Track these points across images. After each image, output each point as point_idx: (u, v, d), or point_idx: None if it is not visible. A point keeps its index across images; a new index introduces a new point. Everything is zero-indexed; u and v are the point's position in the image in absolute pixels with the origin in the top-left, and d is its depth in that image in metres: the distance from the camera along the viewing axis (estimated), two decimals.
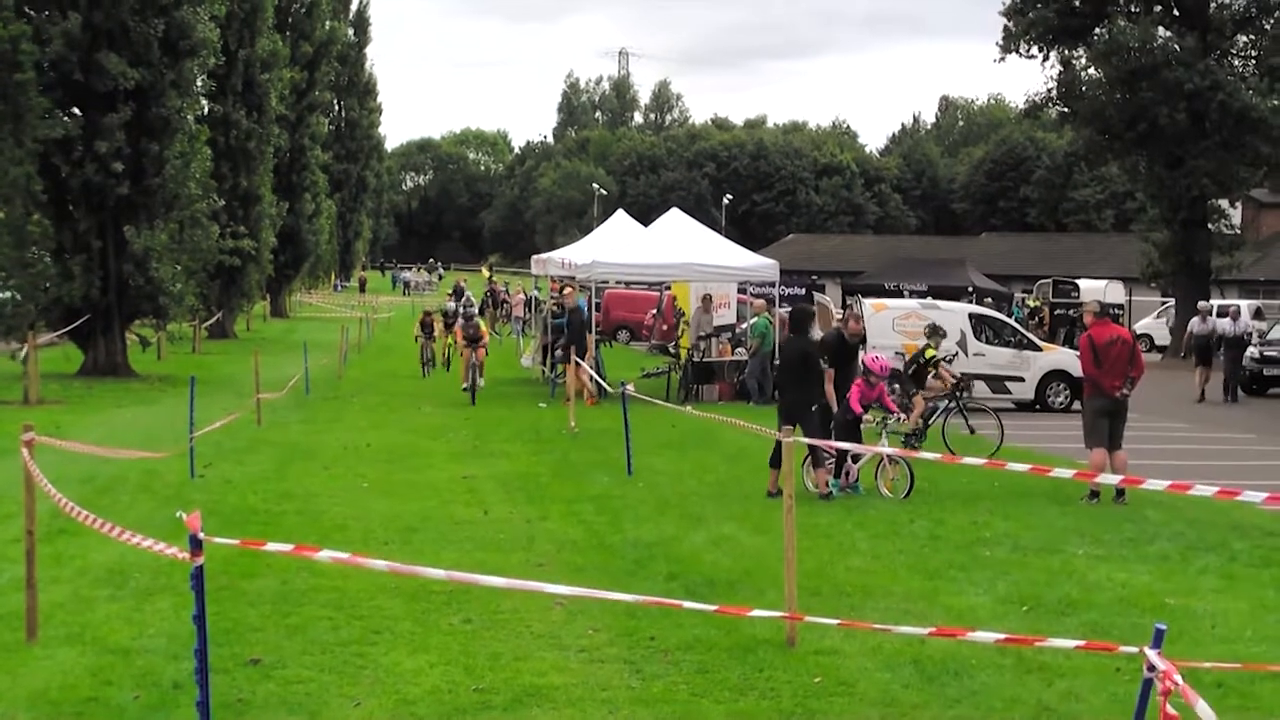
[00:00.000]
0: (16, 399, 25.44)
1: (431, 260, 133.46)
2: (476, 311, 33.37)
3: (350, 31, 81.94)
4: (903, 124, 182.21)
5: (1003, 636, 7.18)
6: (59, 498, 8.62)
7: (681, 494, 16.00)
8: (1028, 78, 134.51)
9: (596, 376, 26.63)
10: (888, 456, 15.73)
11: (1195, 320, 33.91)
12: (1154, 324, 54.18)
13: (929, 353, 19.86)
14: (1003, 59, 51.42)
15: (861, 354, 17.88)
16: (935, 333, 20.62)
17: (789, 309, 20.18)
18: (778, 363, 23.31)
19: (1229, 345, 32.47)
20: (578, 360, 25.62)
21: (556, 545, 12.71)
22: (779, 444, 15.82)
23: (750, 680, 8.48)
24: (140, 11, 29.84)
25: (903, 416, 17.35)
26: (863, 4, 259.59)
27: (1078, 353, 18.33)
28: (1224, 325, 32.85)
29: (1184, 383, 34.09)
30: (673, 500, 15.49)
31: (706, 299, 32.14)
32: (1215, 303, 40.99)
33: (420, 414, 25.26)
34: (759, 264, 31.21)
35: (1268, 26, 47.71)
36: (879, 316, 29.18)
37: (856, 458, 16.21)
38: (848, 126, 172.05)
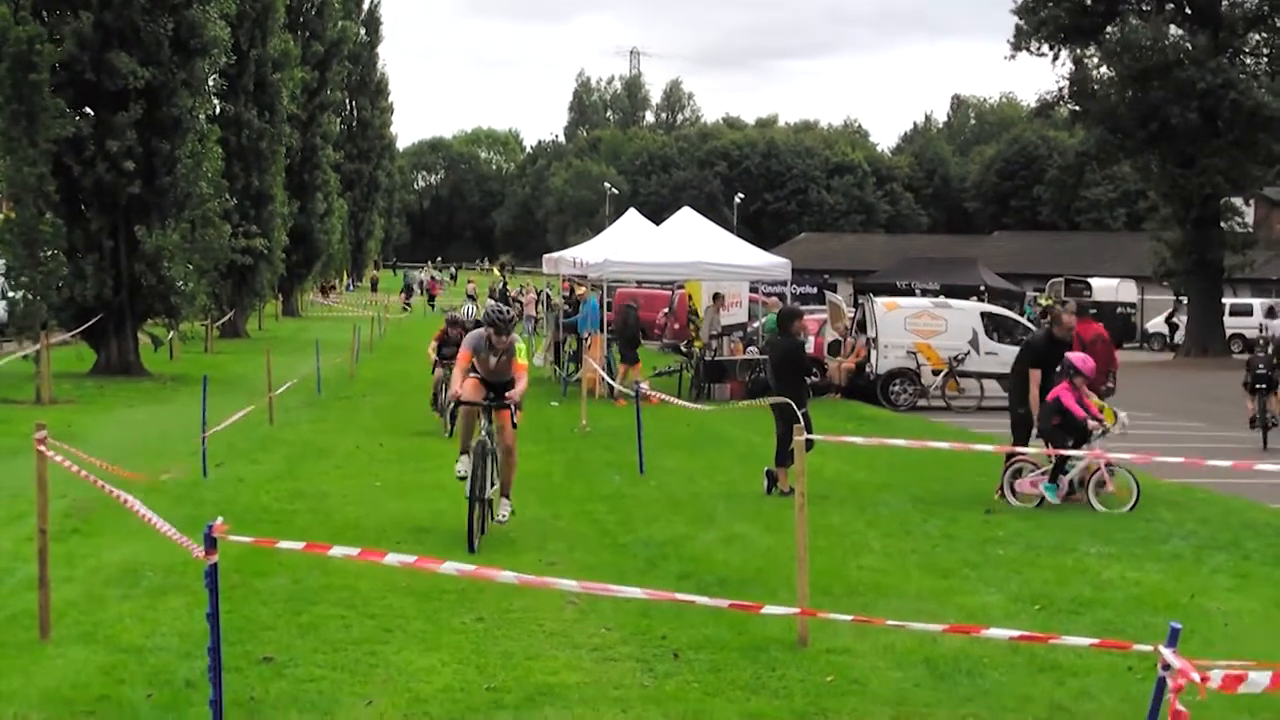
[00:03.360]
0: (29, 398, 25.47)
1: (440, 260, 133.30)
2: (509, 318, 13.52)
3: (362, 31, 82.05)
4: (914, 123, 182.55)
5: (1016, 634, 7.16)
6: (100, 483, 8.65)
7: (693, 493, 16.00)
8: (1039, 76, 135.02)
9: (606, 375, 26.68)
10: (1106, 465, 15.07)
11: (1275, 323, 32.85)
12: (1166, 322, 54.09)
13: None
14: (1013, 57, 51.41)
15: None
16: None
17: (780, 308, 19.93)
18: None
19: None
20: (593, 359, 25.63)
21: (568, 544, 12.70)
22: (781, 443, 15.84)
23: (762, 679, 8.47)
24: (151, 11, 29.79)
25: (1126, 422, 15.78)
26: (873, 3, 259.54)
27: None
28: None
29: (1194, 380, 33.94)
30: (684, 499, 15.49)
31: (718, 297, 32.17)
32: None
33: (433, 415, 25.21)
34: (770, 263, 31.25)
35: None
36: (891, 315, 29.24)
37: (1067, 468, 15.28)
38: (859, 125, 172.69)
